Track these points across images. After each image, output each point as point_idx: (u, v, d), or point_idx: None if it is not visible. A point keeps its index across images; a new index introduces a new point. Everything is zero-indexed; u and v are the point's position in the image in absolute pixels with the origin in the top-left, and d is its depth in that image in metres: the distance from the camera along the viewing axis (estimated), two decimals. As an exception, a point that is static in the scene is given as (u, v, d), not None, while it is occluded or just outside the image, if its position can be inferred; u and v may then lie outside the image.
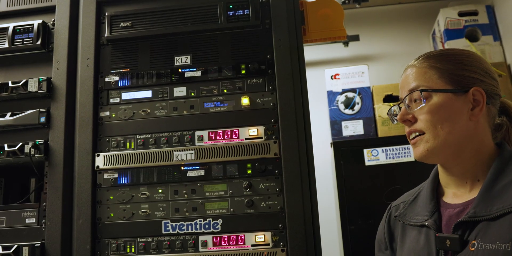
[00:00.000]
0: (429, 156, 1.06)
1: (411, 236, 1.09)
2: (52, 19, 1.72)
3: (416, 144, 1.07)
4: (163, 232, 1.52)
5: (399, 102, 1.12)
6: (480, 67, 1.07)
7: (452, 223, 1.00)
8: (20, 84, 1.64)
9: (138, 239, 1.53)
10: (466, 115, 1.03)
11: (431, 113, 1.04)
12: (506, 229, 0.90)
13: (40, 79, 1.64)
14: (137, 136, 1.61)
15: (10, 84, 1.65)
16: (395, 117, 1.14)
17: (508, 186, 0.95)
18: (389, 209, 1.24)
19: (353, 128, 2.64)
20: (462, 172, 1.06)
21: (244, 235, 1.49)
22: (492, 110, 1.08)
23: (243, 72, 1.61)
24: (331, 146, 2.58)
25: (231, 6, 1.63)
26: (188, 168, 1.56)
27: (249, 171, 1.53)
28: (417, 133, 1.07)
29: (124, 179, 1.58)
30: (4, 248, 1.51)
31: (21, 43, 1.69)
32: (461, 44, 2.85)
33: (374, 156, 2.44)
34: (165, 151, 1.57)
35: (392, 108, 1.17)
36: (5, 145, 1.60)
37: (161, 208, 1.54)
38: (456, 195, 1.07)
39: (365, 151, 2.45)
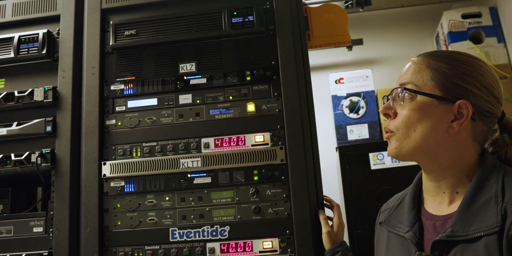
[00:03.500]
0: (399, 155, 1.04)
1: (395, 246, 1.08)
2: (57, 28, 1.73)
3: (389, 140, 1.06)
4: (171, 240, 1.52)
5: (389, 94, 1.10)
6: (480, 79, 1.00)
7: (431, 238, 0.98)
8: (26, 93, 1.65)
9: (146, 247, 1.52)
10: (444, 125, 0.99)
11: (409, 112, 1.01)
12: (482, 253, 0.88)
13: (46, 88, 1.64)
14: (143, 144, 1.61)
15: (16, 94, 1.66)
16: None
17: (486, 203, 0.93)
18: (379, 214, 1.23)
19: (358, 132, 2.63)
20: (440, 179, 1.03)
21: (251, 242, 1.48)
22: (479, 127, 1.02)
23: (248, 78, 1.61)
24: (336, 151, 2.58)
25: (235, 13, 1.64)
26: (195, 175, 1.56)
27: (255, 178, 1.53)
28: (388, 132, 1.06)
29: (131, 187, 1.58)
30: (12, 258, 1.52)
31: (26, 52, 1.70)
32: (465, 46, 2.84)
33: (380, 160, 2.44)
34: (171, 159, 1.57)
35: (384, 99, 1.14)
36: (12, 155, 1.61)
37: (168, 216, 1.54)
38: (434, 204, 1.05)
39: (371, 155, 2.44)
